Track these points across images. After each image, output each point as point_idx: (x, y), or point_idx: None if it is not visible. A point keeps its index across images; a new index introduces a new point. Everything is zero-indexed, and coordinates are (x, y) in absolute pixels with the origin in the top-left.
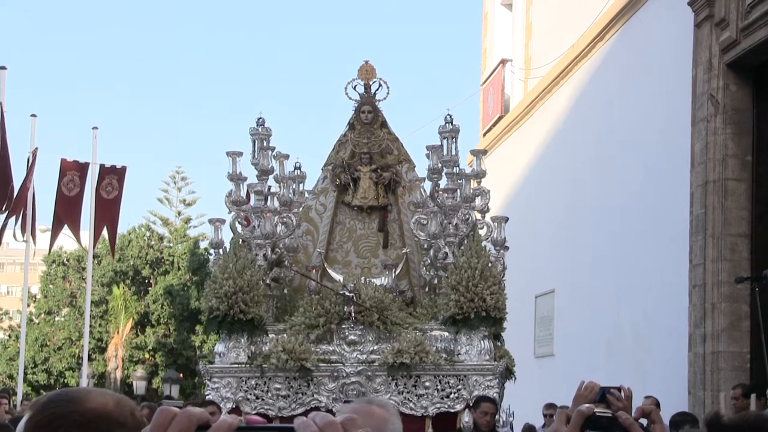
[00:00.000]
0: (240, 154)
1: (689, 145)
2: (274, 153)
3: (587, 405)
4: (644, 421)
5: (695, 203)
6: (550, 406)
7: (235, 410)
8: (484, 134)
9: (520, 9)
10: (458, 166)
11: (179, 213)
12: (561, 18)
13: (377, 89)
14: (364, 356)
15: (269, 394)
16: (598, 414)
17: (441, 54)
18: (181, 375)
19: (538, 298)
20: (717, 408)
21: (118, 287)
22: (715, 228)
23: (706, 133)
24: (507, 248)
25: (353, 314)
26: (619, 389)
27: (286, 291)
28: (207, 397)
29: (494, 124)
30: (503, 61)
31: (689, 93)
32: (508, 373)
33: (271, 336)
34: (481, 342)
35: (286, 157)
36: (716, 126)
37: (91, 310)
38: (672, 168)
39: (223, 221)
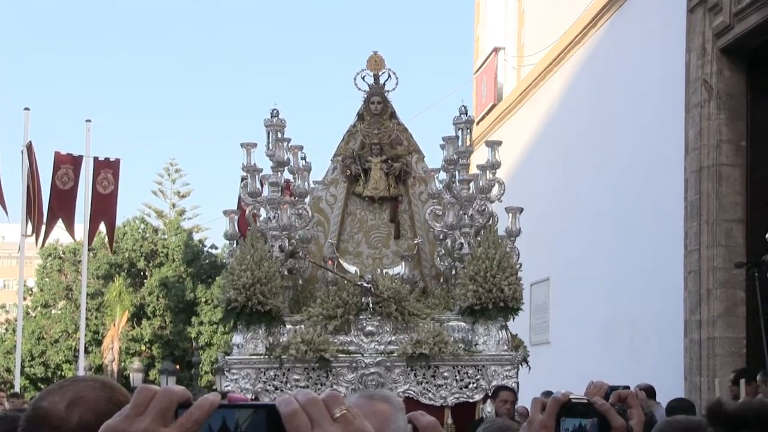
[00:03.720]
0: (254, 145)
1: (683, 131)
2: (288, 144)
3: (563, 392)
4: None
5: (690, 189)
6: (547, 394)
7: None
8: (478, 122)
9: None
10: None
11: (174, 205)
12: (553, 5)
13: (386, 80)
14: (382, 347)
15: (288, 385)
16: (573, 401)
17: (434, 42)
18: (178, 366)
19: (533, 286)
20: (718, 395)
21: (117, 279)
22: (710, 214)
23: (700, 119)
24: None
25: (371, 305)
26: (626, 388)
27: (300, 282)
28: (226, 388)
29: (488, 113)
30: (496, 49)
31: (683, 79)
32: (522, 363)
33: (288, 327)
34: (499, 332)
35: (300, 148)
36: (710, 111)
37: (87, 303)
38: (666, 154)
39: (237, 212)
